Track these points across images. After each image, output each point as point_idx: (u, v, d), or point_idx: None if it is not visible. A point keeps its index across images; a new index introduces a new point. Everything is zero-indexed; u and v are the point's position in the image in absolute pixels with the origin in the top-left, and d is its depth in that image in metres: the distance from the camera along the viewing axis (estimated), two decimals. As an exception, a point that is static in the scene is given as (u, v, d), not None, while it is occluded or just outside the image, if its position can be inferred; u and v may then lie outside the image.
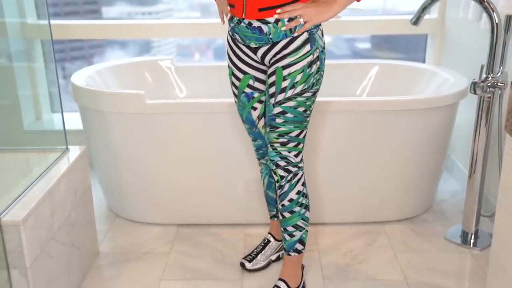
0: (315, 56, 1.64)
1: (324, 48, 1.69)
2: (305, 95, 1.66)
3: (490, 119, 2.08)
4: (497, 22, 1.97)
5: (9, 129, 2.46)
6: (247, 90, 1.78)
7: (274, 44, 1.64)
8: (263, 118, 1.81)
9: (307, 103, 1.67)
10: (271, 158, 1.74)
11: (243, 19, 1.63)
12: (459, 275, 2.01)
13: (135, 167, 2.26)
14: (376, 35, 3.19)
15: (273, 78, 1.66)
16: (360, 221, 2.37)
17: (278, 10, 1.58)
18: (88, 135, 2.37)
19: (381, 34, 3.11)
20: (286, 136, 1.69)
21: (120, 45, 3.24)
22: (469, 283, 1.97)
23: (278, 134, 1.69)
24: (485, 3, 1.98)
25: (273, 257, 2.07)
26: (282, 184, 1.75)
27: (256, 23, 1.62)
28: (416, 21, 2.14)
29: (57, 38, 2.97)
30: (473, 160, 2.15)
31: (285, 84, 1.64)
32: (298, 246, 1.83)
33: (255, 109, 1.81)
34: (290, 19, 1.59)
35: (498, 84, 2.00)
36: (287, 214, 1.78)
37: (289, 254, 1.84)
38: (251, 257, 2.05)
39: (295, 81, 1.63)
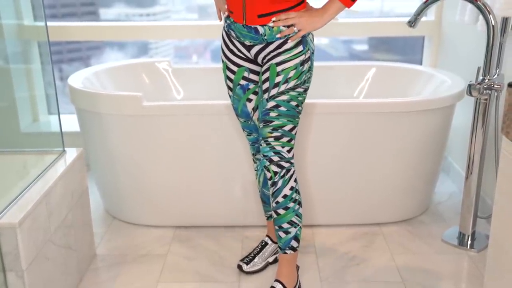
0: (307, 56, 1.73)
1: (313, 51, 1.78)
2: (297, 90, 1.73)
3: (487, 121, 2.09)
4: (493, 24, 1.97)
5: (5, 131, 2.45)
6: (242, 82, 1.83)
7: (268, 44, 1.71)
8: (258, 110, 1.85)
9: (299, 98, 1.74)
10: (265, 154, 1.77)
11: (244, 25, 1.70)
12: (456, 277, 2.01)
13: (132, 169, 2.26)
14: (373, 37, 3.19)
15: (266, 75, 1.73)
16: (357, 223, 2.37)
17: (273, 19, 1.66)
18: (85, 137, 2.37)
19: (378, 36, 3.12)
20: (279, 130, 1.74)
21: (118, 46, 3.24)
22: (466, 285, 1.97)
23: (272, 128, 1.73)
24: (482, 6, 1.98)
25: (271, 259, 2.07)
26: (276, 180, 1.77)
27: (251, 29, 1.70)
28: (413, 23, 2.14)
29: (54, 39, 2.97)
30: (469, 161, 2.16)
31: (278, 79, 1.71)
32: (294, 243, 1.83)
33: (250, 100, 1.85)
34: (285, 26, 1.67)
35: (495, 86, 2.01)
36: (281, 211, 1.80)
37: (285, 253, 1.84)
38: (248, 259, 2.05)
39: (289, 76, 1.70)
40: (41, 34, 2.87)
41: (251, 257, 2.05)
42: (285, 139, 1.75)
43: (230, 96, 1.90)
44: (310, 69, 1.75)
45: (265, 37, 1.70)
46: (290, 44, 1.69)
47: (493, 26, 1.97)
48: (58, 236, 1.79)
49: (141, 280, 2.01)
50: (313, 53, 1.76)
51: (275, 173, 1.76)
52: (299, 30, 1.67)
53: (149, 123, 2.16)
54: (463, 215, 2.23)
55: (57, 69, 3.24)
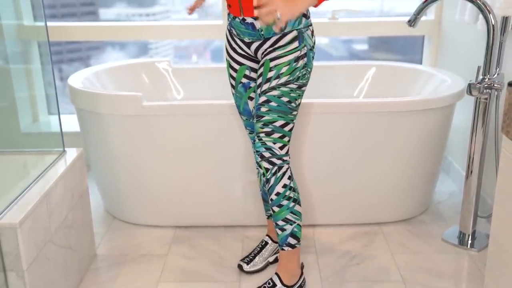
0: (302, 53, 1.72)
1: (313, 47, 1.77)
2: (289, 86, 1.72)
3: (487, 120, 2.09)
4: (493, 23, 1.97)
5: (6, 131, 2.45)
6: (244, 80, 1.85)
7: (266, 39, 1.73)
8: None
9: (291, 94, 1.73)
10: (257, 149, 1.78)
11: (241, 17, 1.71)
12: (457, 276, 2.01)
13: (132, 169, 2.26)
14: (373, 36, 3.19)
15: (261, 70, 1.75)
16: (357, 223, 2.37)
17: (256, 12, 1.55)
18: (85, 137, 2.37)
19: (378, 35, 3.12)
20: (270, 126, 1.74)
21: (118, 46, 3.23)
22: (467, 284, 1.97)
23: (263, 123, 1.74)
24: (482, 5, 1.98)
25: (271, 259, 2.07)
26: (268, 177, 1.78)
27: (249, 19, 1.71)
28: (413, 22, 2.14)
29: (54, 40, 2.97)
30: (470, 161, 2.16)
31: (270, 74, 1.72)
32: (291, 241, 1.83)
33: (251, 99, 1.87)
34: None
35: (495, 85, 2.01)
36: (276, 209, 1.81)
37: (283, 249, 1.85)
38: (248, 259, 2.05)
39: (280, 72, 1.71)
40: (41, 34, 2.88)
41: (251, 257, 2.06)
42: (276, 135, 1.75)
43: (233, 94, 1.92)
44: (306, 65, 1.74)
45: (262, 32, 1.71)
46: (286, 39, 1.70)
47: (493, 26, 1.97)
48: (58, 236, 1.79)
49: (141, 280, 2.01)
50: (311, 49, 1.76)
51: (267, 169, 1.77)
52: (279, 18, 1.56)
53: (149, 123, 2.16)
54: (463, 214, 2.23)
55: (57, 69, 3.24)
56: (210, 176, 2.25)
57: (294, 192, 1.81)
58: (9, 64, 2.48)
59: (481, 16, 2.19)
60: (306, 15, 1.73)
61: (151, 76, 2.78)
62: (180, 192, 2.29)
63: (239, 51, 1.81)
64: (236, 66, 1.84)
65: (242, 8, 1.69)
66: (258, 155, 1.78)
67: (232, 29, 1.79)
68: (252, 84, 1.85)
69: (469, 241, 2.21)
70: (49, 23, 2.91)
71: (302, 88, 1.76)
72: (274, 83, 1.72)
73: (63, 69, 3.27)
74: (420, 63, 3.14)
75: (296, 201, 1.82)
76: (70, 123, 2.82)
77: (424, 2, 2.10)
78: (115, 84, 2.62)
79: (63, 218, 1.83)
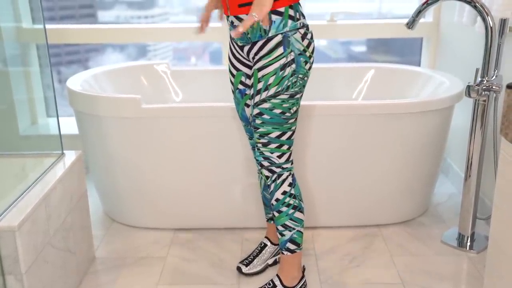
0: (289, 59, 1.64)
1: (304, 51, 1.66)
2: (280, 97, 1.66)
3: (485, 122, 2.09)
4: (491, 25, 1.98)
5: (4, 134, 2.45)
6: (240, 86, 1.83)
7: (254, 44, 1.68)
8: None
9: (284, 105, 1.68)
10: (256, 158, 1.78)
11: (228, 16, 1.68)
12: (456, 278, 2.01)
13: (131, 172, 2.26)
14: (372, 38, 3.20)
15: (251, 80, 1.71)
16: (356, 225, 2.37)
17: (241, 29, 1.53)
18: (84, 140, 2.37)
19: (376, 37, 3.12)
20: (266, 137, 1.72)
21: (117, 48, 3.23)
22: (466, 286, 1.97)
23: (259, 134, 1.73)
24: (480, 7, 1.99)
25: (270, 261, 2.07)
26: (269, 183, 1.78)
27: (236, 22, 1.67)
28: (411, 25, 2.14)
29: (53, 42, 2.97)
30: (468, 163, 2.16)
31: (259, 86, 1.67)
32: (290, 246, 1.83)
33: (248, 106, 1.85)
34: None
35: (493, 87, 2.01)
36: (276, 213, 1.81)
37: (283, 253, 1.86)
38: (247, 261, 2.05)
39: (268, 83, 1.65)
40: (40, 36, 2.88)
41: (250, 259, 2.05)
42: (273, 146, 1.72)
43: (233, 99, 1.90)
44: (295, 72, 1.66)
45: (249, 36, 1.66)
46: (270, 45, 1.62)
47: (491, 28, 1.98)
48: (57, 239, 1.78)
49: (140, 282, 2.01)
50: (301, 54, 1.66)
51: (267, 177, 1.78)
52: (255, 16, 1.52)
53: (148, 126, 2.15)
54: (463, 216, 2.23)
55: (55, 71, 3.24)
56: (209, 178, 2.25)
57: (294, 199, 1.79)
58: (7, 67, 2.48)
59: (479, 18, 2.19)
60: (293, 17, 1.63)
61: (149, 78, 2.78)
62: (179, 195, 2.29)
63: (237, 55, 1.79)
64: (234, 72, 1.83)
65: (229, 6, 1.65)
66: (258, 163, 1.78)
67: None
68: (248, 91, 1.83)
69: (468, 243, 2.21)
70: (47, 26, 2.91)
71: (296, 96, 1.69)
72: (264, 95, 1.66)
73: (61, 71, 3.26)
74: (419, 65, 3.14)
75: (297, 208, 1.80)
76: (69, 125, 2.82)
77: (423, 4, 2.10)
78: (113, 87, 2.62)
79: (62, 221, 1.83)
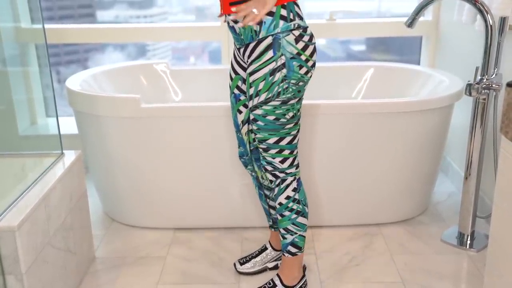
0: (279, 64, 1.56)
1: (299, 54, 1.58)
2: (271, 103, 1.60)
3: (485, 120, 2.09)
4: (491, 24, 1.97)
5: (4, 134, 2.45)
6: (236, 91, 1.79)
7: (247, 46, 1.63)
8: (247, 124, 1.80)
9: (277, 111, 1.61)
10: (261, 162, 1.76)
11: (223, 15, 1.65)
12: (456, 277, 2.01)
13: (131, 171, 2.26)
14: (371, 37, 3.20)
15: (245, 85, 1.68)
16: (356, 224, 2.37)
17: (234, 9, 1.53)
18: (83, 140, 2.37)
19: (376, 36, 3.12)
20: (264, 143, 1.68)
21: (115, 48, 3.23)
22: (466, 285, 1.97)
23: (258, 140, 1.70)
24: (479, 5, 1.98)
25: (270, 265, 2.05)
26: (272, 187, 1.77)
27: (230, 23, 1.63)
28: (411, 23, 2.14)
29: (52, 42, 2.96)
30: (468, 161, 2.16)
31: (251, 91, 1.63)
32: (291, 249, 1.83)
33: (240, 112, 1.80)
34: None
35: (493, 85, 2.01)
36: (279, 216, 1.80)
37: (284, 254, 1.85)
38: (243, 260, 2.05)
39: (258, 89, 1.60)
40: (39, 36, 2.87)
41: (247, 259, 2.05)
42: (273, 151, 1.69)
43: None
44: (286, 78, 1.57)
45: (242, 37, 1.62)
46: (261, 48, 1.57)
47: (491, 26, 1.98)
48: (57, 239, 1.78)
49: (140, 282, 2.01)
50: (294, 58, 1.56)
51: (271, 181, 1.76)
52: (257, 12, 1.51)
53: (147, 125, 2.15)
54: (462, 215, 2.23)
55: (54, 71, 3.24)
56: (209, 178, 2.25)
57: (298, 205, 1.76)
58: (6, 67, 2.48)
59: (479, 16, 2.19)
60: (285, 18, 1.55)
61: (149, 78, 2.78)
62: (179, 194, 2.28)
63: (237, 58, 1.74)
64: (233, 75, 1.78)
65: (223, 6, 1.62)
66: (262, 167, 1.76)
67: None
68: (242, 97, 1.77)
69: (468, 242, 2.21)
70: (46, 26, 2.91)
71: (290, 102, 1.61)
72: (255, 101, 1.62)
73: (61, 71, 3.26)
74: (418, 63, 3.14)
75: (300, 213, 1.78)
76: (68, 125, 2.82)
77: (422, 2, 2.10)
78: (113, 86, 2.62)
79: (61, 221, 1.82)
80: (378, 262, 2.11)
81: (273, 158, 1.70)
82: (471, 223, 2.22)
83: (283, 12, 1.55)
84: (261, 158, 1.73)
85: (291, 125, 1.66)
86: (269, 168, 1.73)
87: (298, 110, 1.67)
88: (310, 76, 1.64)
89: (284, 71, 1.57)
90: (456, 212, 2.48)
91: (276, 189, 1.75)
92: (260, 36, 1.57)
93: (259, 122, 1.65)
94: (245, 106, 1.78)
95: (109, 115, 2.16)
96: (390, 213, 2.36)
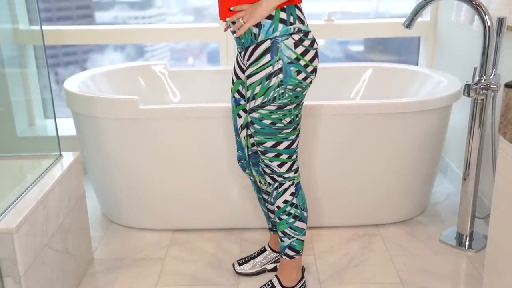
0: (275, 68, 1.54)
1: (297, 59, 1.55)
2: (267, 108, 1.58)
3: (484, 121, 2.09)
4: (489, 24, 1.98)
5: (2, 135, 2.45)
6: (236, 95, 1.78)
7: (247, 49, 1.62)
8: (246, 128, 1.80)
9: (273, 116, 1.59)
10: (260, 164, 1.75)
11: (223, 20, 1.65)
12: (455, 278, 2.01)
13: (129, 173, 2.26)
14: (369, 38, 3.20)
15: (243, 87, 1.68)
16: (355, 224, 2.37)
17: (228, 19, 1.57)
18: (81, 141, 2.36)
19: (374, 37, 3.12)
20: (261, 146, 1.67)
21: (114, 49, 3.23)
22: (465, 285, 1.97)
23: (256, 142, 1.69)
24: (477, 6, 1.99)
25: (269, 267, 2.05)
26: (271, 190, 1.76)
27: (231, 27, 1.63)
28: (409, 24, 2.15)
29: (50, 43, 2.96)
30: (467, 162, 2.16)
31: (248, 94, 1.62)
32: (289, 252, 1.82)
33: (240, 116, 1.79)
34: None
35: (491, 86, 2.01)
36: (277, 219, 1.80)
37: (282, 257, 1.85)
38: (242, 261, 2.05)
39: (255, 92, 1.58)
40: (37, 38, 2.87)
41: (246, 260, 2.05)
42: (270, 155, 1.67)
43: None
44: (283, 83, 1.54)
45: (242, 41, 1.62)
46: (259, 51, 1.55)
47: (489, 27, 1.98)
48: (55, 240, 1.78)
49: (139, 284, 2.00)
50: (291, 62, 1.54)
51: (269, 183, 1.75)
52: (244, 23, 1.53)
53: (145, 126, 2.15)
54: (461, 215, 2.23)
55: (53, 72, 3.23)
56: (208, 179, 2.24)
57: (296, 209, 1.75)
58: (4, 68, 2.48)
59: (476, 17, 2.19)
60: (285, 21, 1.53)
61: (147, 79, 2.78)
62: (177, 195, 2.28)
63: (239, 62, 1.74)
64: (234, 79, 1.77)
65: (221, 11, 1.62)
66: (261, 169, 1.75)
67: None
68: (242, 102, 1.76)
69: (467, 242, 2.21)
70: (44, 27, 2.91)
71: (286, 108, 1.58)
72: (252, 104, 1.60)
73: (59, 72, 3.26)
74: (416, 64, 3.14)
75: (297, 217, 1.76)
76: (67, 127, 2.81)
77: (420, 3, 2.10)
78: (111, 88, 2.61)
79: (60, 223, 1.82)
80: (377, 263, 2.11)
81: (271, 162, 1.69)
82: (469, 224, 2.22)
83: (283, 15, 1.53)
84: (260, 160, 1.73)
85: (289, 130, 1.64)
86: (267, 171, 1.72)
87: (297, 116, 1.64)
88: (310, 82, 1.61)
89: (281, 76, 1.54)
90: (455, 213, 2.48)
91: (274, 193, 1.75)
92: (259, 40, 1.56)
93: (256, 125, 1.64)
94: (245, 110, 1.77)
95: (107, 116, 2.16)
96: (389, 213, 2.36)
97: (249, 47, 1.60)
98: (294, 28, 1.54)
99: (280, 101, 1.57)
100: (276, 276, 1.88)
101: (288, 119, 1.62)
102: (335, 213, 2.33)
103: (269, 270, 2.05)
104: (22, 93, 2.85)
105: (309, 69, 1.58)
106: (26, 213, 1.57)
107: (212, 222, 2.35)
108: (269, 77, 1.55)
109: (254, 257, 2.05)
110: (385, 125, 2.15)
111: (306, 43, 1.57)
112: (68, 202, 1.90)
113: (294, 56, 1.54)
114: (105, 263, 2.14)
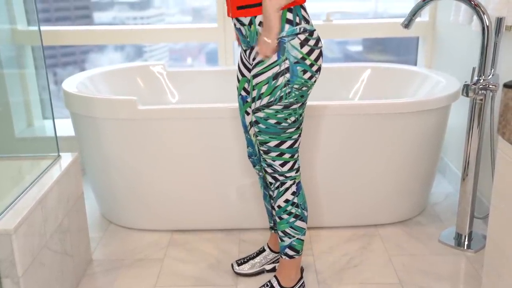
0: (282, 68, 1.55)
1: (303, 59, 1.57)
2: (273, 107, 1.60)
3: (482, 121, 2.09)
4: (487, 24, 1.98)
5: (0, 136, 2.44)
6: (243, 93, 1.79)
7: (252, 48, 1.63)
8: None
9: (279, 115, 1.61)
10: (261, 163, 1.76)
11: (231, 18, 1.65)
12: (454, 278, 2.01)
13: (128, 173, 2.25)
14: (368, 38, 3.20)
15: (249, 86, 1.68)
16: (354, 225, 2.36)
17: (257, 57, 1.57)
18: (80, 142, 2.36)
19: (372, 37, 3.12)
20: (265, 146, 1.68)
21: (112, 50, 3.23)
22: (464, 286, 1.97)
23: (259, 142, 1.69)
24: (476, 6, 1.99)
25: (268, 267, 2.05)
26: (272, 189, 1.77)
27: (237, 25, 1.63)
28: (407, 24, 2.15)
29: (48, 44, 2.96)
30: (466, 162, 2.16)
31: (254, 94, 1.62)
32: (288, 252, 1.82)
33: (248, 113, 1.82)
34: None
35: (490, 86, 2.01)
36: (277, 219, 1.80)
37: (282, 257, 1.85)
38: (241, 261, 2.05)
39: (261, 92, 1.59)
40: (35, 39, 2.87)
41: (245, 260, 2.05)
42: (273, 154, 1.68)
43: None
44: (289, 82, 1.56)
45: (248, 39, 1.62)
46: None
47: (487, 26, 1.98)
48: (54, 241, 1.78)
49: (138, 284, 2.00)
50: (298, 62, 1.56)
51: (270, 183, 1.76)
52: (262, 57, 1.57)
53: (144, 127, 2.15)
54: (460, 215, 2.23)
55: (51, 73, 3.23)
56: (206, 180, 2.24)
57: (297, 208, 1.76)
58: (3, 69, 2.47)
59: (475, 17, 2.19)
60: (291, 21, 1.54)
61: (145, 79, 2.77)
62: (176, 196, 2.28)
63: (244, 60, 1.74)
64: (240, 77, 1.78)
65: (231, 9, 1.62)
66: (263, 168, 1.76)
67: None
68: (249, 99, 1.77)
69: (466, 242, 2.21)
70: (43, 27, 2.90)
71: (292, 107, 1.60)
72: (258, 103, 1.61)
73: (57, 72, 3.26)
74: (415, 64, 3.14)
75: (298, 217, 1.77)
76: (65, 127, 2.81)
77: (419, 3, 2.10)
78: (109, 88, 2.61)
79: (58, 223, 1.82)
80: (376, 263, 2.10)
81: (273, 161, 1.70)
82: (468, 224, 2.22)
83: (289, 16, 1.55)
84: (262, 159, 1.73)
85: (293, 129, 1.66)
86: (269, 170, 1.73)
87: (301, 115, 1.66)
88: (315, 81, 1.63)
89: (288, 75, 1.56)
90: (454, 213, 2.48)
91: (275, 192, 1.75)
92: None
93: (261, 125, 1.65)
94: None
95: (106, 117, 2.16)
96: (387, 214, 2.36)
97: (254, 46, 1.61)
98: (300, 28, 1.56)
99: (286, 101, 1.59)
100: (275, 276, 1.88)
101: (293, 118, 1.63)
102: (334, 213, 2.33)
103: (268, 271, 2.05)
104: (21, 93, 2.84)
105: (314, 68, 1.60)
106: (24, 214, 1.57)
107: (211, 222, 2.34)
108: (276, 76, 1.56)
109: (253, 258, 2.05)
110: (384, 125, 2.15)
111: (311, 42, 1.59)
112: (66, 203, 1.90)
113: (300, 55, 1.56)
114: (104, 264, 2.14)
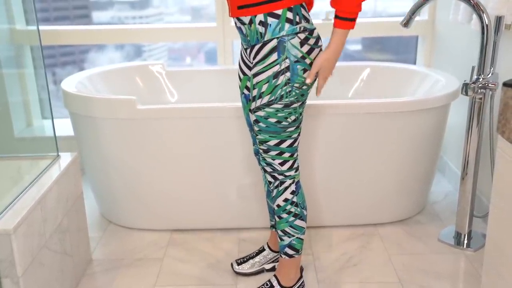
0: (283, 67, 1.56)
1: (303, 58, 1.57)
2: (273, 106, 1.60)
3: (482, 120, 2.09)
4: (487, 23, 1.98)
5: (-1, 136, 2.44)
6: (245, 91, 1.79)
7: (253, 47, 1.62)
8: None
9: (279, 114, 1.61)
10: (261, 163, 1.76)
11: (232, 17, 1.65)
12: (453, 277, 2.01)
13: (127, 173, 2.25)
14: (367, 37, 3.20)
15: (250, 85, 1.67)
16: (354, 224, 2.37)
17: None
18: (79, 142, 2.36)
19: (372, 36, 3.12)
20: (265, 144, 1.68)
21: (111, 49, 3.22)
22: (463, 284, 1.97)
23: (259, 141, 1.69)
24: (475, 5, 1.99)
25: (268, 266, 2.05)
26: (271, 188, 1.77)
27: (238, 23, 1.62)
28: (406, 23, 2.14)
29: (47, 43, 2.95)
30: (465, 161, 2.16)
31: (254, 93, 1.62)
32: (288, 251, 1.82)
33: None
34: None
35: (489, 85, 2.01)
36: (277, 218, 1.80)
37: (281, 256, 1.85)
38: (241, 261, 2.05)
39: (262, 91, 1.59)
40: (34, 38, 2.86)
41: (244, 259, 2.05)
42: (273, 153, 1.68)
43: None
44: (290, 81, 1.56)
45: (248, 38, 1.62)
46: (265, 50, 1.56)
47: (486, 25, 1.98)
48: (53, 241, 1.77)
49: (137, 284, 2.00)
50: (298, 61, 1.56)
51: (270, 182, 1.76)
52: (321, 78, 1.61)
53: (143, 127, 2.15)
54: (459, 214, 2.23)
55: (50, 72, 3.23)
56: (205, 179, 2.24)
57: (296, 207, 1.76)
58: (1, 69, 2.47)
59: (474, 16, 2.19)
60: (291, 20, 1.54)
61: (145, 79, 2.77)
62: (175, 196, 2.28)
63: (244, 59, 1.74)
64: (241, 75, 1.78)
65: (231, 9, 1.62)
66: (262, 168, 1.76)
67: None
68: (250, 97, 1.77)
69: (465, 241, 2.21)
70: (41, 27, 2.90)
71: (292, 106, 1.61)
72: (258, 102, 1.61)
73: (56, 72, 3.25)
74: (414, 63, 3.14)
75: (297, 216, 1.77)
76: (64, 127, 2.81)
77: (418, 2, 2.10)
78: (108, 88, 2.61)
79: (58, 223, 1.82)
80: (376, 262, 2.10)
81: (273, 160, 1.70)
82: (468, 223, 2.22)
83: (289, 15, 1.55)
84: (261, 158, 1.73)
85: (293, 128, 1.66)
86: (268, 169, 1.73)
87: (301, 114, 1.66)
88: (315, 80, 1.63)
89: (288, 74, 1.57)
90: (453, 212, 2.48)
91: (275, 191, 1.75)
92: (265, 38, 1.56)
93: (261, 124, 1.65)
94: None
95: (105, 116, 2.16)
96: (387, 213, 2.36)
97: (255, 45, 1.61)
98: (300, 27, 1.56)
99: (287, 99, 1.59)
100: (274, 275, 1.88)
101: (293, 117, 1.63)
102: (333, 212, 2.33)
103: (268, 270, 2.05)
104: (20, 93, 2.84)
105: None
106: (24, 214, 1.57)
107: (211, 222, 2.34)
108: (276, 75, 1.57)
109: (253, 257, 2.05)
110: (383, 124, 2.15)
111: (311, 41, 1.60)
112: (66, 203, 1.90)
113: (300, 54, 1.57)
114: (104, 264, 2.14)
